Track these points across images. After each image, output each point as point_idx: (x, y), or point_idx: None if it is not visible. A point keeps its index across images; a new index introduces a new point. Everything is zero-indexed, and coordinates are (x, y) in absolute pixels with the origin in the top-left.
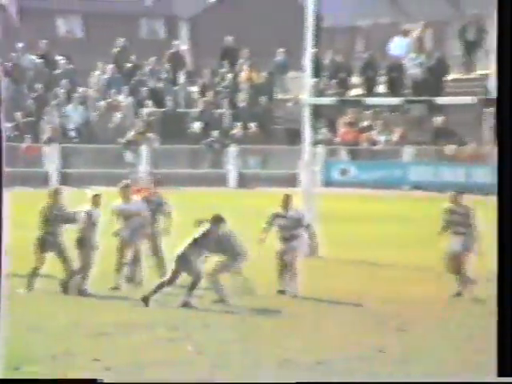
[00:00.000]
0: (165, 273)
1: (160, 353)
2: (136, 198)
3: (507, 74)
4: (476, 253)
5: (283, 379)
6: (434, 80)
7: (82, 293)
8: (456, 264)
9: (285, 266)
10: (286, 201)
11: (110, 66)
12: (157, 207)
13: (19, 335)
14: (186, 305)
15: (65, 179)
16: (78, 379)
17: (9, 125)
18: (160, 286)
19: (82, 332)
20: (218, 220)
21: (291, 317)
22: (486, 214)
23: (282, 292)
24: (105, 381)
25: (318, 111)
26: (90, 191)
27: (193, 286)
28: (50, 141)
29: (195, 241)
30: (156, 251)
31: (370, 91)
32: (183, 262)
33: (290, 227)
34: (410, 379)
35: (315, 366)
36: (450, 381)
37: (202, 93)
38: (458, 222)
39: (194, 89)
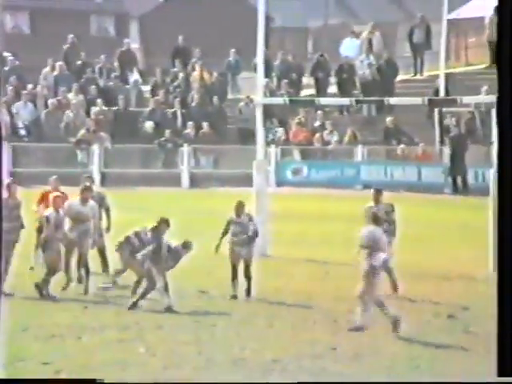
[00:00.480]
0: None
1: (111, 354)
2: (92, 202)
3: (507, 73)
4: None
5: (237, 378)
6: (383, 81)
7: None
8: None
9: (237, 271)
10: (239, 208)
11: (60, 63)
12: (99, 203)
13: None
14: (169, 309)
15: (16, 178)
16: (77, 379)
17: None
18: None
19: (32, 335)
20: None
21: (244, 318)
22: (438, 212)
23: (234, 297)
24: (105, 381)
25: (270, 111)
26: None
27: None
28: None
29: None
30: (102, 254)
31: (321, 91)
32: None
33: (243, 232)
34: (361, 377)
35: (270, 364)
36: (449, 381)
37: (154, 92)
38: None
39: (146, 88)
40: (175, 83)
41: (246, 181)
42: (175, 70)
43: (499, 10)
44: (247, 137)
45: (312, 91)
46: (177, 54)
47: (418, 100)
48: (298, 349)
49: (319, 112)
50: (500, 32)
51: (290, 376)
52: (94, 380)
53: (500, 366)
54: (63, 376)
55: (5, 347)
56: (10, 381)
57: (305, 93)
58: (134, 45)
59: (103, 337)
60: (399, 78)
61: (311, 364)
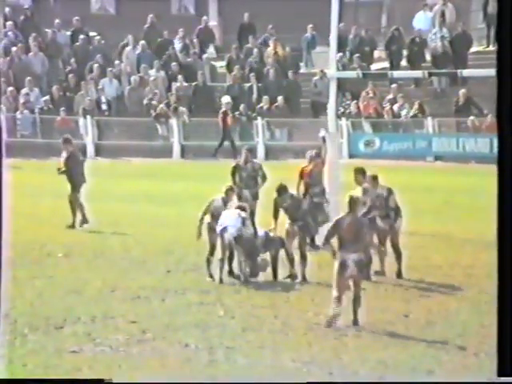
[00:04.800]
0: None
1: (192, 316)
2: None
3: (507, 74)
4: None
5: (312, 343)
6: (456, 53)
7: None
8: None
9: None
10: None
11: (142, 42)
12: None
13: (60, 298)
14: (291, 277)
15: (99, 151)
16: (84, 379)
17: (44, 98)
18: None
19: (120, 295)
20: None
21: (317, 284)
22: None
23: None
24: (113, 381)
25: (343, 85)
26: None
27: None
28: (85, 114)
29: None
30: None
31: (393, 65)
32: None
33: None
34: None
35: (344, 330)
36: (450, 381)
37: (230, 67)
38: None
39: (223, 64)
40: (250, 58)
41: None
42: (250, 45)
43: (499, 10)
44: (320, 110)
45: (384, 64)
46: (247, 29)
47: (491, 72)
48: (371, 316)
49: (393, 85)
50: (500, 32)
51: (364, 341)
52: (102, 380)
53: (500, 366)
54: (149, 335)
55: (94, 305)
56: (10, 381)
57: (377, 66)
58: (212, 22)
59: (185, 300)
60: (472, 49)
61: (383, 330)
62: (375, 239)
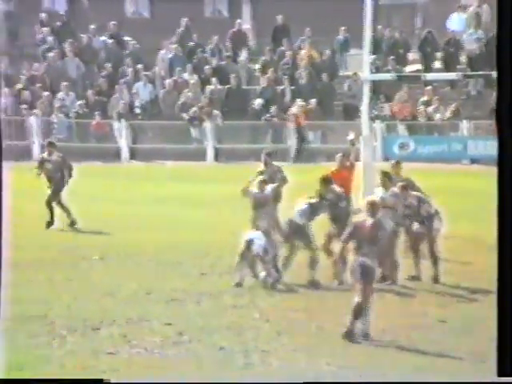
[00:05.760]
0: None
1: (227, 319)
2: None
3: (507, 75)
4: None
5: (347, 347)
6: (492, 55)
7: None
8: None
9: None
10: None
11: (175, 46)
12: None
13: (96, 300)
14: (313, 284)
15: (134, 154)
16: (83, 379)
17: (79, 102)
18: (286, 263)
19: (154, 298)
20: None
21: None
22: None
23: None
24: (112, 381)
25: (377, 87)
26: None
27: (314, 262)
28: (119, 117)
29: (311, 206)
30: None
31: (427, 67)
32: (297, 228)
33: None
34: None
35: (381, 334)
36: (450, 381)
37: (263, 70)
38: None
39: (256, 66)
40: (283, 61)
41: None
42: (283, 48)
43: (498, 10)
44: (354, 112)
45: (418, 66)
46: (277, 33)
47: None
48: (406, 320)
49: (428, 88)
50: (500, 33)
51: (399, 348)
52: (101, 380)
53: (500, 366)
54: (185, 337)
55: (130, 307)
56: (10, 381)
57: (411, 68)
58: (246, 25)
59: (220, 302)
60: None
61: (419, 336)
62: (408, 244)
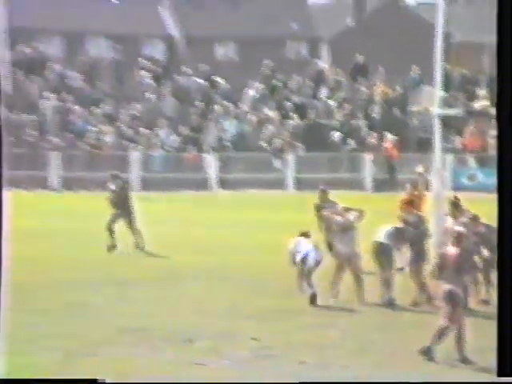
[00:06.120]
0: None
1: (308, 337)
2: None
3: (507, 77)
4: None
5: (419, 369)
6: None
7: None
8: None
9: None
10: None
11: (259, 84)
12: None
13: (190, 314)
14: (391, 302)
15: (222, 183)
16: (78, 379)
17: (175, 137)
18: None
19: (243, 314)
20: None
21: (429, 311)
22: None
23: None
24: (106, 381)
25: (447, 121)
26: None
27: (389, 282)
28: (209, 150)
29: (396, 229)
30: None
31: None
32: (382, 248)
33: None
34: None
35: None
36: (450, 381)
37: (341, 106)
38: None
39: (334, 103)
40: (359, 97)
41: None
42: (359, 85)
43: (499, 12)
44: (426, 145)
45: (487, 102)
46: (357, 71)
47: None
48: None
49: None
50: (500, 33)
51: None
52: (95, 380)
53: (500, 366)
54: (268, 352)
55: (216, 322)
56: (10, 381)
57: (479, 104)
58: (324, 65)
59: (302, 320)
60: None
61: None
62: (479, 269)
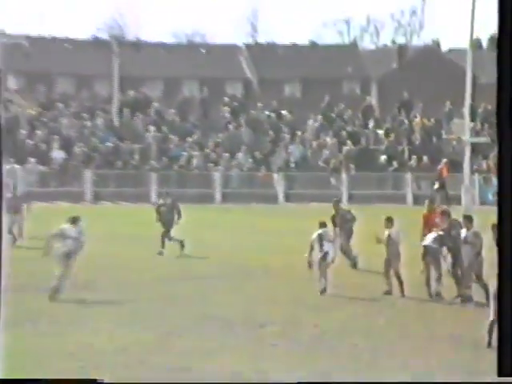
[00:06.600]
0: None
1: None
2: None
3: (507, 76)
4: None
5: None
6: None
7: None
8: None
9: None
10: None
11: (319, 116)
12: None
13: (259, 304)
14: (438, 296)
15: (288, 198)
16: (77, 379)
17: (250, 160)
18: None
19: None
20: (448, 215)
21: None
22: None
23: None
24: (105, 381)
25: (475, 148)
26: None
27: (439, 279)
28: (278, 170)
29: (440, 236)
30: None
31: None
32: (430, 251)
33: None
34: None
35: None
36: (450, 381)
37: (387, 134)
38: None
39: (381, 131)
40: (403, 127)
41: (457, 200)
42: (402, 117)
43: (499, 11)
44: (458, 167)
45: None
46: (402, 105)
47: None
48: None
49: None
50: (500, 34)
51: None
52: (95, 380)
53: (500, 366)
54: (326, 336)
55: (284, 311)
56: (10, 381)
57: None
58: (373, 100)
59: (352, 310)
60: None
61: None
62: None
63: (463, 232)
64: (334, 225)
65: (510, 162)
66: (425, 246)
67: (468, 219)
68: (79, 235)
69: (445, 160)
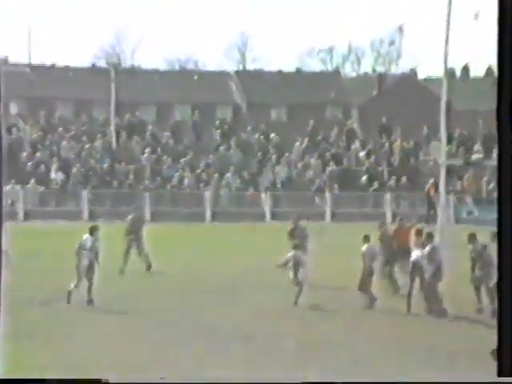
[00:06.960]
0: None
1: None
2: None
3: (507, 75)
4: None
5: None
6: None
7: None
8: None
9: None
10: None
11: (305, 139)
12: None
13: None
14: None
15: (274, 216)
16: (82, 379)
17: (238, 180)
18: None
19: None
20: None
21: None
22: None
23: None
24: (110, 381)
25: (451, 169)
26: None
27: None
28: (265, 190)
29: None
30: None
31: (488, 155)
32: (419, 269)
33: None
34: None
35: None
36: (450, 381)
37: (368, 156)
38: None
39: (362, 153)
40: (383, 150)
41: (432, 219)
42: (383, 141)
43: (499, 13)
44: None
45: (481, 155)
46: (382, 129)
47: None
48: None
49: (488, 170)
50: (500, 33)
51: None
52: (99, 380)
53: (500, 366)
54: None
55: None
56: (10, 381)
57: (475, 156)
58: (355, 124)
59: (365, 319)
60: None
61: None
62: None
63: (427, 248)
64: (291, 239)
65: (510, 162)
66: (412, 262)
67: (429, 236)
68: (94, 243)
69: (432, 180)
